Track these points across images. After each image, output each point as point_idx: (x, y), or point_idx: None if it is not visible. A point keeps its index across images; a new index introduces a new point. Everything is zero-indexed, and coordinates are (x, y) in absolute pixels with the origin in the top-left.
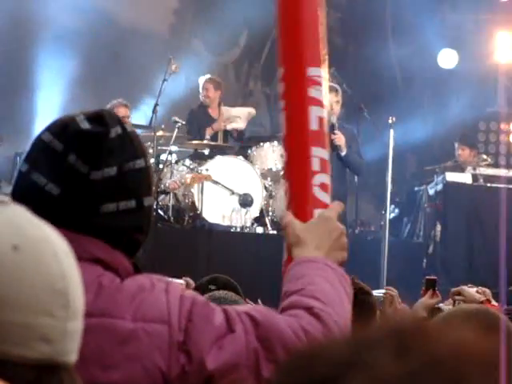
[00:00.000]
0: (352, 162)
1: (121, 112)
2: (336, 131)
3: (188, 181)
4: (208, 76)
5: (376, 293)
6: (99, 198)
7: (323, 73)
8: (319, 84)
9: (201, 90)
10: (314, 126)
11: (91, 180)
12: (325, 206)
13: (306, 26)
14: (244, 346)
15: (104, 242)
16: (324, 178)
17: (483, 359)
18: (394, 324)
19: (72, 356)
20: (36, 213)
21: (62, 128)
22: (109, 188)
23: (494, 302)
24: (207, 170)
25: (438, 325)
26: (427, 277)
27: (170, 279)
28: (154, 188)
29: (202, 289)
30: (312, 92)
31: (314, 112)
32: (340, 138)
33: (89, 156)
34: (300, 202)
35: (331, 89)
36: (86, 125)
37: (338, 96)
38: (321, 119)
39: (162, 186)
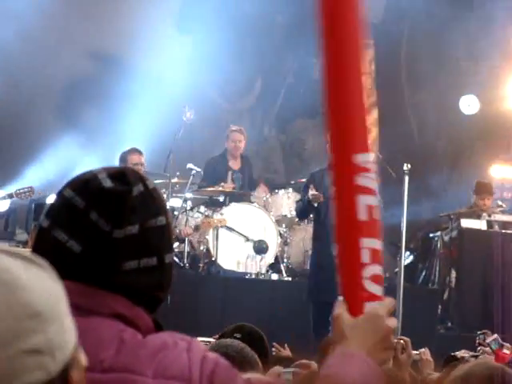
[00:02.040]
0: None
1: (134, 159)
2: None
3: (201, 225)
4: (240, 127)
5: None
6: (121, 256)
7: (371, 157)
8: (367, 170)
9: (229, 139)
10: (362, 215)
11: (113, 238)
12: (377, 298)
13: (354, 111)
14: None
15: (125, 299)
16: (376, 270)
17: None
18: None
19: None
20: (57, 268)
21: (83, 185)
22: (131, 246)
23: (505, 350)
24: (222, 214)
25: None
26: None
27: (194, 338)
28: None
29: (226, 336)
30: (359, 180)
31: (362, 201)
32: None
33: (111, 214)
34: (351, 294)
35: None
36: (108, 183)
37: None
38: (370, 208)
39: (176, 233)
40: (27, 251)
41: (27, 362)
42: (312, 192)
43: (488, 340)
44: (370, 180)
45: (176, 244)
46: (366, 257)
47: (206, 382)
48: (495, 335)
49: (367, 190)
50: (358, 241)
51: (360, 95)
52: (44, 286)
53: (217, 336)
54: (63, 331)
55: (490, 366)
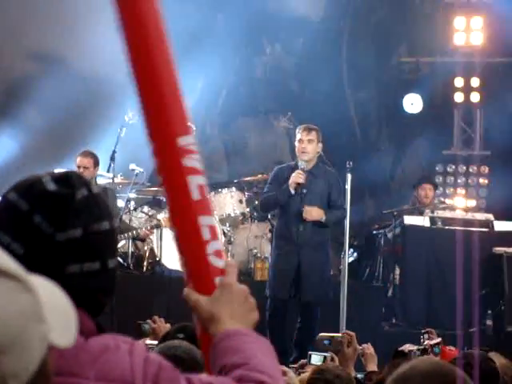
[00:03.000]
0: (333, 220)
1: (77, 162)
2: (300, 173)
3: (163, 223)
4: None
5: (335, 335)
6: (63, 259)
7: (192, 139)
8: (192, 152)
9: None
10: (195, 195)
11: (56, 241)
12: (223, 272)
13: (168, 96)
14: None
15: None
16: (216, 245)
17: None
18: None
19: None
20: None
21: (27, 188)
22: (73, 249)
23: (450, 347)
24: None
25: None
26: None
27: (136, 341)
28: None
29: (169, 337)
30: (187, 162)
31: (193, 181)
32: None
33: (54, 217)
34: (199, 275)
35: (304, 129)
36: (52, 186)
37: (311, 134)
38: (201, 187)
39: (134, 232)
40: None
41: None
42: (298, 175)
43: (432, 342)
44: (195, 161)
45: (120, 244)
46: (206, 234)
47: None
48: (439, 339)
49: (195, 171)
50: (196, 220)
51: (171, 80)
52: (6, 309)
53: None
54: (21, 357)
55: (434, 362)
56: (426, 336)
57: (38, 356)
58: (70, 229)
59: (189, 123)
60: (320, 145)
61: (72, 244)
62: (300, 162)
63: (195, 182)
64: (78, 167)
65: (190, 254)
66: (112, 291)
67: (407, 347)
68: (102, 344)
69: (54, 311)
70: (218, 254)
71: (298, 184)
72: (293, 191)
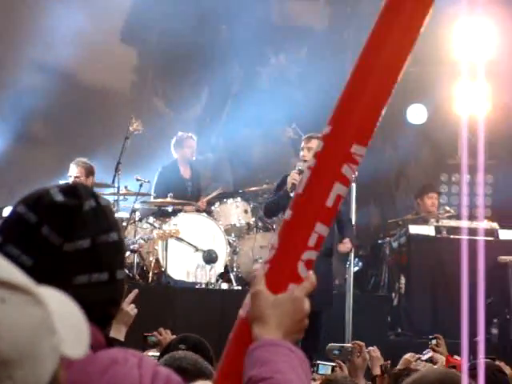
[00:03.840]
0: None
1: (70, 171)
2: (296, 173)
3: (157, 237)
4: (191, 134)
5: (345, 345)
6: (72, 270)
7: (363, 152)
8: (356, 163)
9: (184, 147)
10: (330, 202)
11: (64, 252)
12: (299, 281)
13: (372, 98)
14: None
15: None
16: (312, 255)
17: None
18: None
19: None
20: None
21: (35, 200)
22: (81, 260)
23: (456, 356)
24: (175, 225)
25: None
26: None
27: (144, 354)
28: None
29: (171, 348)
30: (346, 169)
31: (336, 189)
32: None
33: (62, 228)
34: (280, 271)
35: (305, 137)
36: (59, 197)
37: (311, 143)
38: (338, 197)
39: (129, 247)
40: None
41: None
42: (293, 175)
43: (424, 358)
44: (352, 172)
45: (145, 253)
46: (312, 241)
47: None
48: (431, 353)
49: (345, 181)
50: (315, 224)
51: (375, 90)
52: (17, 323)
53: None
54: (34, 370)
55: (443, 371)
56: (433, 342)
57: (51, 368)
58: (78, 240)
59: (366, 138)
60: None
61: (80, 255)
62: (300, 164)
63: (337, 191)
64: (69, 176)
65: (287, 247)
66: (120, 303)
67: (407, 356)
68: (110, 357)
69: (65, 322)
70: (308, 263)
71: (294, 184)
72: (291, 193)
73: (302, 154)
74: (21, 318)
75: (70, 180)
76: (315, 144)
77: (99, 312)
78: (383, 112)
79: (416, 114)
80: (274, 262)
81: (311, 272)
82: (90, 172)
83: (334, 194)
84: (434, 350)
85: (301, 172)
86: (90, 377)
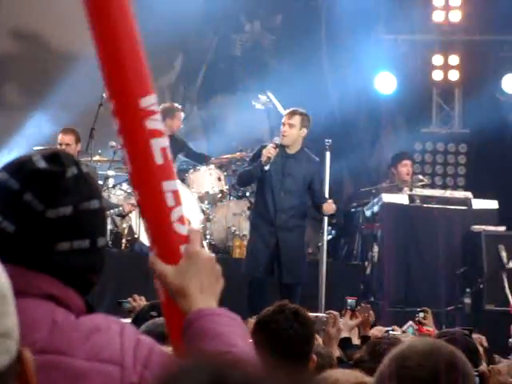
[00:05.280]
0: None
1: (59, 139)
2: (272, 146)
3: (132, 204)
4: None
5: (319, 315)
6: (54, 237)
7: (154, 99)
8: (155, 113)
9: (175, 119)
10: (159, 159)
11: (46, 218)
12: (187, 239)
13: (128, 53)
14: None
15: (56, 280)
16: (180, 211)
17: None
18: (210, 366)
19: None
20: None
21: (18, 167)
22: (64, 227)
23: (428, 327)
24: None
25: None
26: (347, 297)
27: (127, 322)
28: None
29: (143, 316)
30: (149, 123)
31: (156, 145)
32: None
33: (45, 194)
34: (164, 242)
35: (287, 112)
36: (42, 164)
37: (293, 119)
38: (164, 150)
39: (117, 209)
40: None
41: None
42: (269, 149)
43: (404, 328)
44: (158, 122)
45: (118, 221)
46: (170, 200)
47: (140, 367)
48: (410, 322)
49: (158, 133)
50: (160, 185)
51: (131, 35)
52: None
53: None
54: (14, 311)
55: (431, 342)
56: (421, 314)
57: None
58: (60, 206)
59: (149, 84)
60: (304, 130)
61: (62, 221)
62: (276, 139)
63: (158, 145)
64: (60, 144)
65: (154, 221)
66: (101, 269)
67: (375, 330)
68: (93, 323)
69: None
70: (181, 220)
71: (269, 158)
72: (266, 166)
73: (282, 129)
74: None
75: (62, 148)
76: (297, 120)
77: (80, 278)
78: (144, 56)
79: (385, 84)
80: (154, 241)
81: (190, 224)
82: (78, 139)
83: (157, 151)
84: (420, 323)
85: (277, 146)
86: (72, 342)
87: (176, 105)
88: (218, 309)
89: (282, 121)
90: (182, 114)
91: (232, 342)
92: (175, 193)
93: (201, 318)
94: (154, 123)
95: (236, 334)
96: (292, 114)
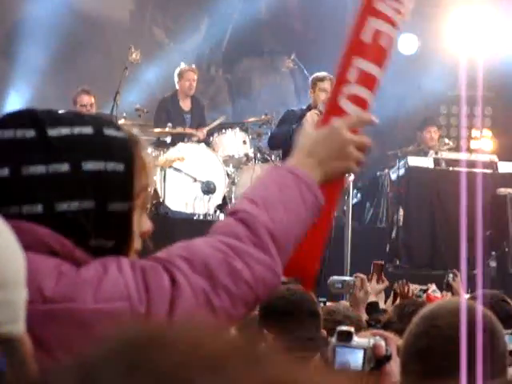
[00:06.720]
0: None
1: (82, 100)
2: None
3: (161, 163)
4: (193, 66)
5: (347, 278)
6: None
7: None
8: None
9: (183, 78)
10: (366, 37)
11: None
12: (344, 116)
13: None
14: (192, 296)
15: (62, 237)
16: (358, 91)
17: (211, 363)
18: (127, 338)
19: (8, 327)
20: None
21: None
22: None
23: (436, 294)
24: (179, 151)
25: (173, 333)
26: (374, 261)
27: (120, 257)
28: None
29: None
30: (380, 5)
31: (371, 23)
32: None
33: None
34: (327, 110)
35: (325, 77)
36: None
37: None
38: (378, 32)
39: None
40: None
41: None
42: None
43: (416, 291)
44: (389, 9)
45: None
46: (352, 75)
47: (143, 292)
48: (425, 286)
49: (383, 16)
50: (350, 58)
51: None
52: None
53: None
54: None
55: (460, 301)
56: (450, 275)
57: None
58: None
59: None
60: None
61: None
62: (320, 105)
63: (374, 25)
64: (83, 106)
65: (333, 88)
66: (116, 236)
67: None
68: (92, 268)
69: None
70: (352, 98)
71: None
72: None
73: (322, 96)
74: None
75: (83, 109)
76: (328, 85)
77: (88, 241)
78: None
79: (408, 45)
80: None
81: (357, 109)
82: (94, 100)
83: (369, 28)
84: (448, 285)
85: (321, 113)
86: (78, 288)
87: (188, 66)
88: (292, 166)
89: (322, 86)
90: (192, 74)
91: (258, 188)
92: (364, 73)
93: (274, 169)
94: (386, 8)
95: (274, 184)
96: (323, 79)
